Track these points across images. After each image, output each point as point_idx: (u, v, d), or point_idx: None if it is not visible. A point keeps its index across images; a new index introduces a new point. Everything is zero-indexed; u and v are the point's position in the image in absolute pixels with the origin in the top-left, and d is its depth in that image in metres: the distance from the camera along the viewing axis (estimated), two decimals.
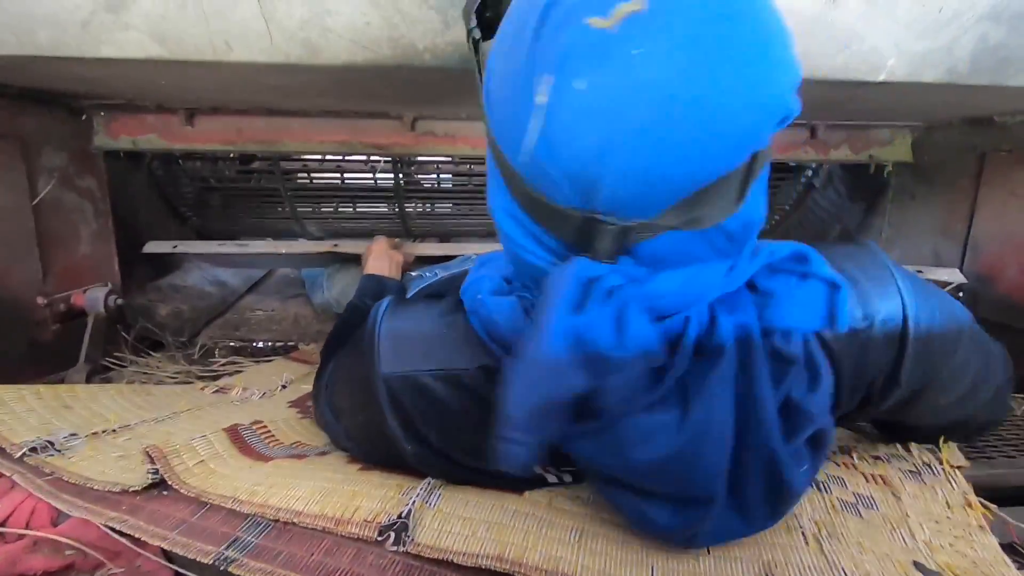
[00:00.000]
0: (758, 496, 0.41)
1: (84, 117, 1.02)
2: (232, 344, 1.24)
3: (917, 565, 0.46)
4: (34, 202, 0.92)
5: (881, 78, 0.66)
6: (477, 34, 0.48)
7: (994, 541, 0.51)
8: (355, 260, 1.21)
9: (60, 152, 0.98)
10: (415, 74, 0.64)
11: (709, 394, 0.39)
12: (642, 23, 0.31)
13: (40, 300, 0.92)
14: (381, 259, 1.00)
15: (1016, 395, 0.92)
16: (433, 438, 0.49)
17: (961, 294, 1.07)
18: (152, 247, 1.15)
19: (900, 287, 0.47)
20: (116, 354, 1.05)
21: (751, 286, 0.44)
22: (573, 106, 0.33)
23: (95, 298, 0.99)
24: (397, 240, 1.15)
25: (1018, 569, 0.55)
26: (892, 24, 0.62)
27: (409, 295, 0.57)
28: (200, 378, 1.03)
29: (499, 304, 0.45)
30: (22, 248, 0.91)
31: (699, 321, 0.41)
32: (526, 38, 0.34)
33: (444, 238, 1.70)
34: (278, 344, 1.26)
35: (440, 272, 0.63)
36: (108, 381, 0.95)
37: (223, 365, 1.11)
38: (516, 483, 0.53)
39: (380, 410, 0.49)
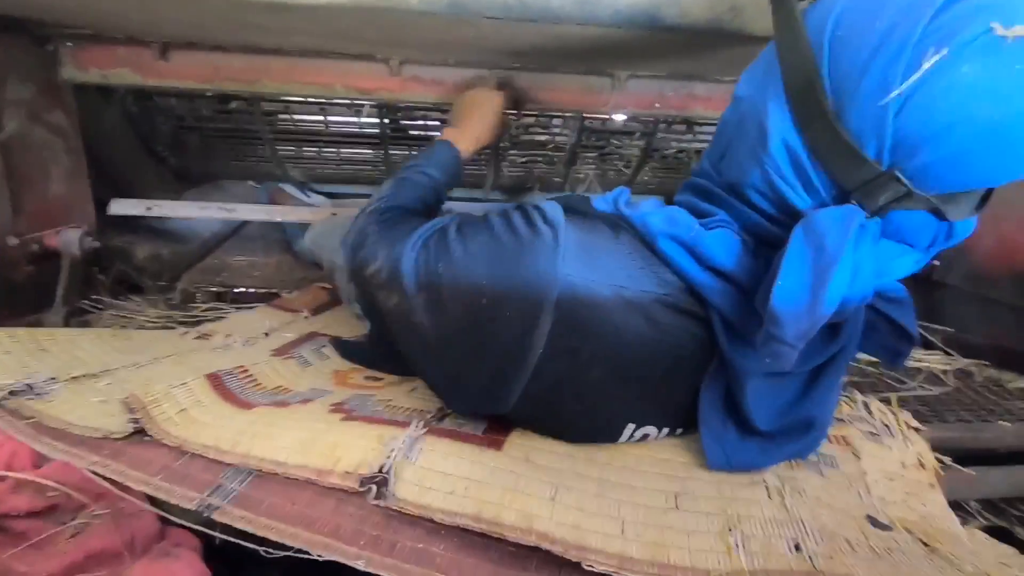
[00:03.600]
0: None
1: (51, 47, 0.96)
2: (213, 289, 1.22)
3: (870, 518, 0.49)
4: (0, 137, 0.88)
5: None
6: None
7: (942, 498, 0.54)
8: None
9: (26, 83, 0.93)
10: (401, 18, 0.61)
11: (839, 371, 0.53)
12: None
13: (11, 240, 0.90)
14: (489, 114, 0.89)
15: (978, 362, 0.96)
16: (585, 350, 0.48)
17: (936, 263, 1.10)
18: (118, 207, 1.10)
19: None
20: (94, 296, 1.03)
21: None
22: (951, 82, 0.38)
23: (69, 240, 0.96)
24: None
25: (961, 524, 0.59)
26: None
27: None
28: (181, 323, 1.02)
29: (720, 237, 0.49)
30: None
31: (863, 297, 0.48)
32: (926, 10, 0.39)
33: None
34: (260, 291, 1.25)
35: None
36: (85, 324, 0.94)
37: (204, 311, 1.10)
38: (584, 438, 0.56)
39: (533, 309, 0.47)
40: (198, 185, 1.62)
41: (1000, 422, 0.70)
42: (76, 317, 0.96)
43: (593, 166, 1.53)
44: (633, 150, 1.44)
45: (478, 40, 0.75)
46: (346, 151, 1.47)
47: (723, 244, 0.49)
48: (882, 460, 0.57)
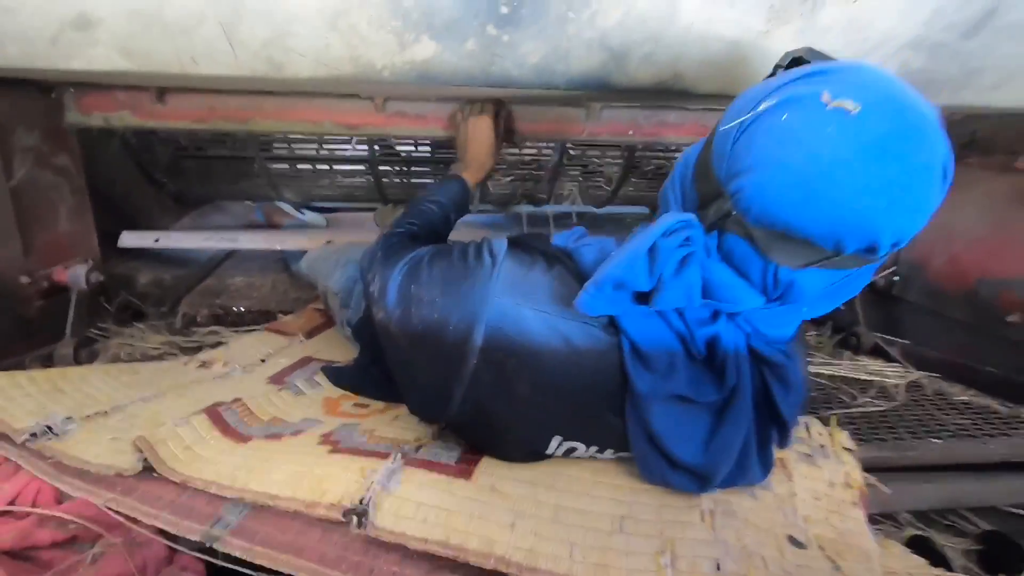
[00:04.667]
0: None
1: (53, 95, 1.02)
2: (213, 312, 1.29)
3: (790, 537, 0.56)
4: (11, 183, 0.94)
5: None
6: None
7: (861, 515, 0.61)
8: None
9: (33, 131, 0.99)
10: (374, 86, 0.67)
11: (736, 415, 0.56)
12: (845, 120, 0.43)
13: (23, 279, 0.97)
14: (486, 142, 1.00)
15: (930, 375, 1.02)
16: (510, 364, 0.56)
17: (896, 279, 1.16)
18: (129, 240, 1.17)
19: None
20: (100, 325, 1.10)
21: None
22: (772, 125, 0.46)
23: (77, 275, 1.03)
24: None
25: (891, 535, 0.66)
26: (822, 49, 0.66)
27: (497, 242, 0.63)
28: (183, 349, 1.09)
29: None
30: (2, 228, 0.94)
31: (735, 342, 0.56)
32: (777, 80, 0.49)
33: None
34: (257, 311, 1.31)
35: None
36: (94, 353, 1.01)
37: (205, 335, 1.17)
38: (518, 447, 0.63)
39: (469, 324, 0.56)
40: (196, 207, 1.69)
41: (931, 439, 0.77)
42: (85, 347, 1.03)
43: (577, 182, 1.59)
44: (614, 168, 1.50)
45: (451, 92, 0.82)
46: (339, 172, 1.53)
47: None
48: (812, 480, 0.64)
